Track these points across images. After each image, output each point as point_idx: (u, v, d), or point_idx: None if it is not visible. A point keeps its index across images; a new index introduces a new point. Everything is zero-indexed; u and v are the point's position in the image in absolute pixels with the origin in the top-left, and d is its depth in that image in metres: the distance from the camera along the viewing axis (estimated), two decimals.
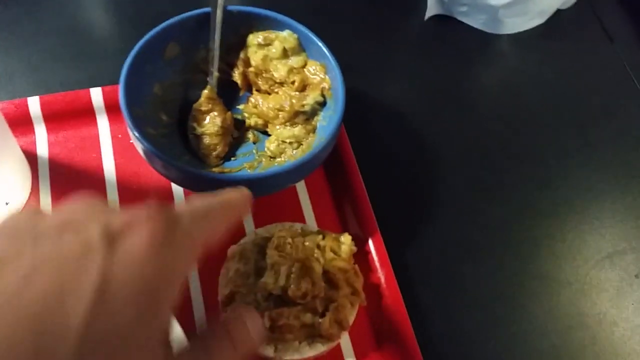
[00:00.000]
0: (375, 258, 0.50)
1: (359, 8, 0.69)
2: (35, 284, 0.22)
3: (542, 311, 0.52)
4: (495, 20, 0.66)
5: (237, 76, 0.55)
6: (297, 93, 0.53)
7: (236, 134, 0.55)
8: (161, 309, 0.25)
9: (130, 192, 0.53)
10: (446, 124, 0.62)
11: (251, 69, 0.54)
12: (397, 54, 0.66)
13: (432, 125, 0.61)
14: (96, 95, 0.55)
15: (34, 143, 0.54)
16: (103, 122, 0.56)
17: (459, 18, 0.68)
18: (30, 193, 0.52)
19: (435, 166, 0.59)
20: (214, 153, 0.53)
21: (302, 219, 0.53)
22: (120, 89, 0.47)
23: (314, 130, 0.53)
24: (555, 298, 0.53)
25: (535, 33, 0.69)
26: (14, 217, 0.26)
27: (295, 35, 0.53)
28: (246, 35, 0.54)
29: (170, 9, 0.55)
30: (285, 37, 0.53)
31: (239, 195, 0.32)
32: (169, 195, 0.53)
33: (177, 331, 0.37)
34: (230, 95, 0.56)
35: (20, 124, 0.54)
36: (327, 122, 0.52)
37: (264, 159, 0.53)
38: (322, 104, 0.53)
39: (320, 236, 0.49)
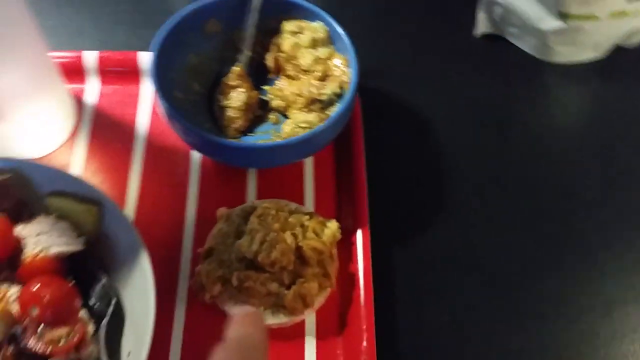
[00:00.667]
0: (359, 250, 0.52)
1: (414, 15, 0.71)
2: None
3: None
4: (545, 46, 0.64)
5: (269, 60, 0.59)
6: (318, 82, 0.56)
7: (258, 112, 0.59)
8: None
9: (154, 149, 0.58)
10: (472, 141, 0.62)
11: (282, 54, 0.58)
12: (440, 65, 0.67)
13: (456, 140, 0.61)
14: (144, 58, 0.61)
15: (84, 91, 0.61)
16: (146, 84, 0.62)
17: (510, 39, 0.67)
18: (72, 133, 0.59)
19: (447, 180, 0.59)
20: (233, 125, 0.57)
21: (300, 201, 0.56)
22: (153, 50, 0.53)
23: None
24: None
25: (589, 67, 0.66)
26: None
27: (326, 28, 0.56)
28: (282, 22, 0.58)
29: None
30: (316, 28, 0.56)
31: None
32: (185, 159, 0.58)
33: None
34: (261, 76, 0.60)
35: (76, 73, 0.61)
36: None
37: (277, 140, 0.57)
38: (340, 97, 0.55)
39: (307, 217, 0.51)
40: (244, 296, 0.48)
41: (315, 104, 0.55)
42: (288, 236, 0.48)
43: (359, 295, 0.50)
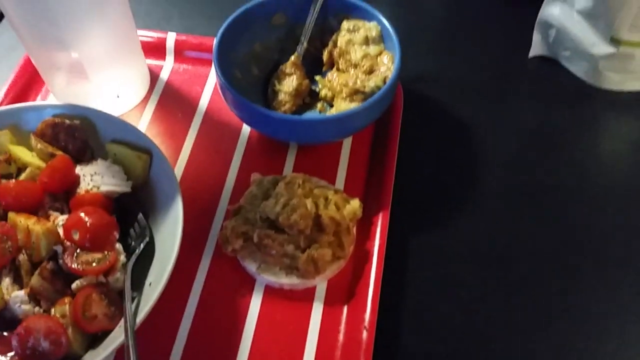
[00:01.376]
0: (377, 230, 0.54)
1: (473, 32, 0.74)
2: None
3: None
4: (595, 71, 0.65)
5: (325, 54, 0.64)
6: (364, 75, 0.60)
7: (307, 99, 0.64)
8: None
9: (210, 122, 0.64)
10: (510, 153, 0.63)
11: (337, 49, 0.62)
12: (489, 80, 0.69)
13: (493, 150, 0.63)
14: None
15: (161, 67, 0.69)
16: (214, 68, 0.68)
17: (562, 62, 0.68)
18: (142, 100, 0.66)
19: (476, 184, 0.61)
20: (282, 108, 0.62)
21: (332, 181, 0.59)
22: (221, 31, 0.59)
23: None
24: None
25: (639, 97, 0.66)
26: None
27: (379, 27, 0.60)
28: (342, 20, 0.63)
29: None
30: (370, 27, 0.61)
31: None
32: (235, 132, 0.63)
33: None
34: (315, 68, 0.65)
35: (156, 50, 0.69)
36: None
37: None
38: None
39: (333, 192, 0.55)
40: (262, 254, 0.52)
41: (358, 94, 0.59)
42: (309, 202, 0.52)
43: (369, 271, 0.52)
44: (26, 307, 0.47)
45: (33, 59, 0.62)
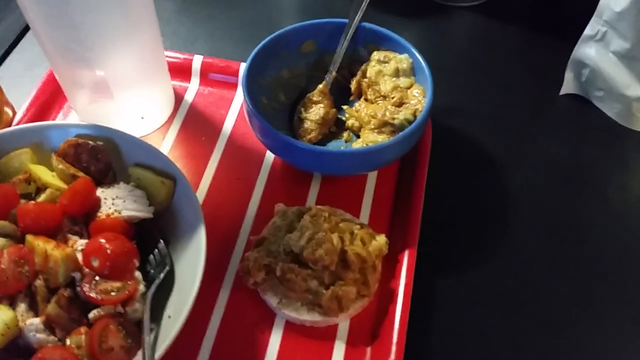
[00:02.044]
0: (403, 268, 0.53)
1: (506, 68, 0.73)
2: None
3: None
4: (628, 113, 0.64)
5: (353, 83, 0.63)
6: (393, 107, 0.58)
7: (333, 129, 0.63)
8: None
9: (233, 146, 0.63)
10: (538, 191, 0.62)
11: (365, 79, 0.61)
12: (520, 116, 0.68)
13: (521, 186, 0.62)
14: (242, 68, 0.67)
15: (186, 89, 0.68)
16: (239, 92, 0.67)
17: (595, 102, 0.67)
18: (166, 122, 0.65)
19: (503, 219, 0.59)
20: (308, 136, 0.61)
21: (357, 214, 0.58)
22: (251, 56, 0.58)
23: None
24: None
25: None
26: None
27: (410, 60, 0.59)
28: (372, 51, 0.62)
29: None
30: (401, 59, 0.60)
31: None
32: (259, 159, 0.62)
33: None
34: (342, 97, 0.64)
35: (182, 72, 0.68)
36: None
37: None
38: (412, 123, 0.58)
39: (358, 226, 0.53)
40: (284, 288, 0.51)
41: (387, 127, 0.58)
42: (335, 237, 0.50)
43: (394, 311, 0.51)
44: (41, 336, 0.45)
45: (57, 75, 0.61)
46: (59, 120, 0.65)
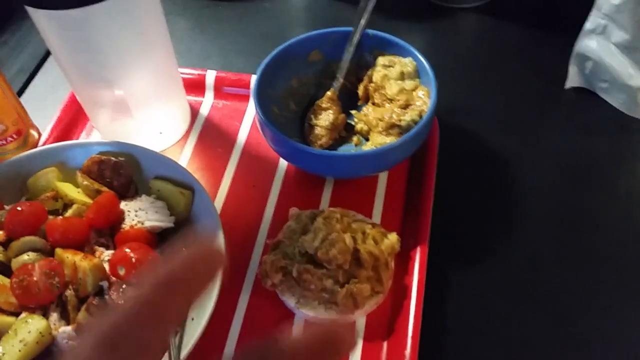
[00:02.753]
0: (416, 264, 0.54)
1: (511, 65, 0.74)
2: None
3: None
4: (633, 103, 0.65)
5: (360, 89, 0.65)
6: (399, 109, 0.60)
7: (343, 133, 0.65)
8: None
9: (248, 156, 0.66)
10: (546, 185, 0.63)
11: (372, 84, 0.63)
12: (527, 112, 0.69)
13: (530, 181, 0.63)
14: (253, 81, 0.69)
15: (200, 103, 0.71)
16: (251, 104, 0.69)
17: (600, 94, 0.68)
18: (183, 136, 0.68)
19: (513, 214, 0.61)
20: (319, 142, 0.63)
21: (369, 215, 0.60)
22: (260, 68, 0.61)
23: None
24: None
25: None
26: None
27: (415, 63, 0.61)
28: (377, 56, 0.64)
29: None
30: (405, 63, 0.61)
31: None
32: (273, 167, 0.64)
33: None
34: (351, 103, 0.66)
35: (196, 87, 0.71)
36: None
37: None
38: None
39: (370, 226, 0.55)
40: (301, 288, 0.53)
41: (395, 128, 0.60)
42: (347, 237, 0.52)
43: (409, 306, 0.52)
44: (73, 342, 0.48)
45: (78, 96, 0.64)
46: (82, 139, 0.68)
